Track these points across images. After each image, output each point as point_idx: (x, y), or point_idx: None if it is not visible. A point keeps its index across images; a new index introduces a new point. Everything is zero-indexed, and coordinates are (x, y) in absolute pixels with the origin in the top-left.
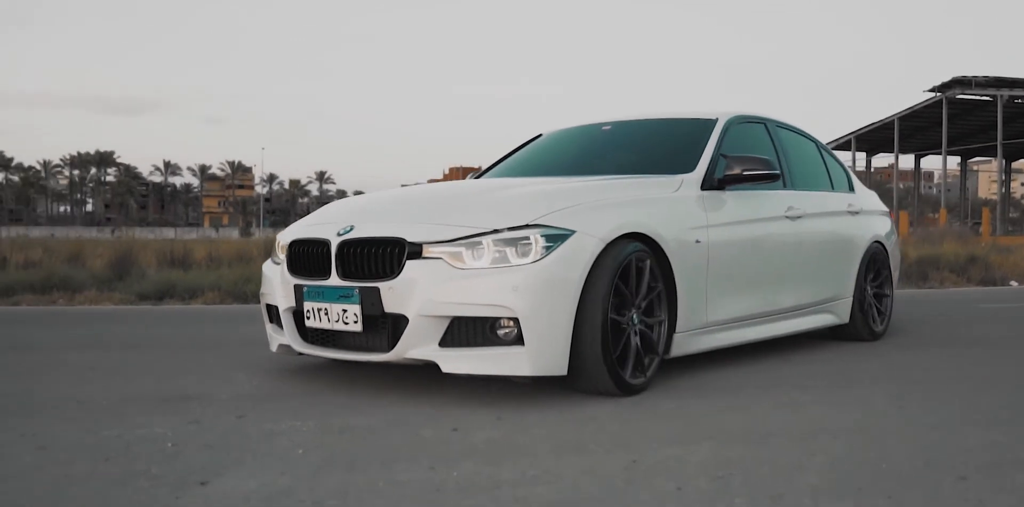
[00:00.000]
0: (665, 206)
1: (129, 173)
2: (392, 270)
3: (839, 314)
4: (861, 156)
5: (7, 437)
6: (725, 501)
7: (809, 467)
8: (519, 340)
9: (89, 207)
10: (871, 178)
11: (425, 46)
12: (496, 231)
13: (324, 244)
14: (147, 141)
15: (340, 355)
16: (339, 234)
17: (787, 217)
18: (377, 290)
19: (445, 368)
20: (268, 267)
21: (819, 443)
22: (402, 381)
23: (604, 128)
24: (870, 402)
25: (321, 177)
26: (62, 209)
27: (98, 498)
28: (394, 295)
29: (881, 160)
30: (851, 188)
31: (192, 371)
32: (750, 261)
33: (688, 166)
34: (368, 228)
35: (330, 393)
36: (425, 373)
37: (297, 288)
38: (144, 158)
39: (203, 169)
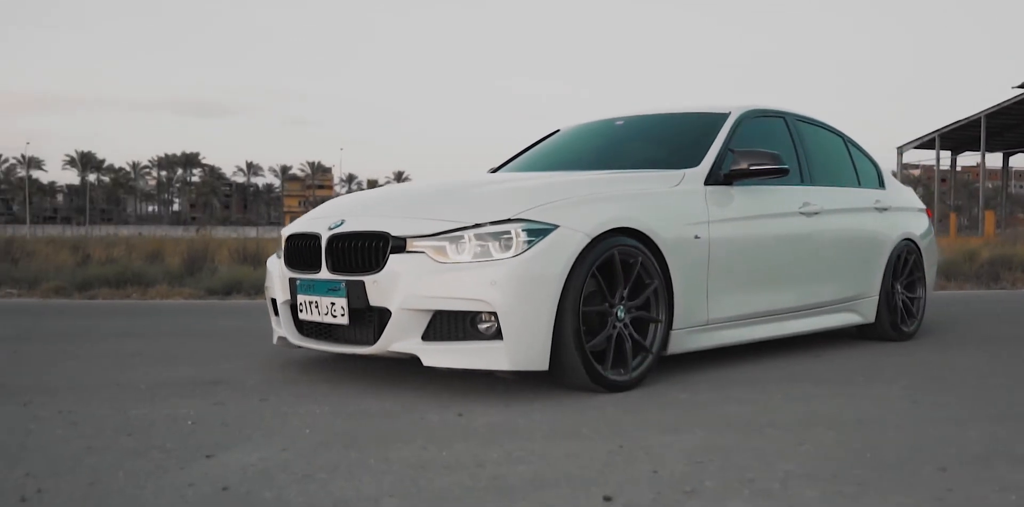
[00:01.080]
0: (662, 201)
1: (213, 174)
2: (376, 264)
3: (863, 313)
4: (946, 155)
5: (46, 413)
6: (694, 483)
7: (792, 455)
8: (498, 335)
9: (176, 207)
10: (957, 177)
11: (505, 45)
12: (478, 225)
13: (316, 238)
14: (230, 142)
15: (331, 348)
16: (330, 228)
17: (801, 213)
18: (362, 283)
19: (426, 362)
20: (271, 261)
21: (813, 433)
22: (424, 371)
23: (617, 123)
24: (884, 397)
25: (399, 177)
26: (150, 209)
27: (110, 466)
28: (378, 288)
29: (968, 158)
30: (881, 184)
31: (231, 358)
32: (758, 257)
33: (695, 161)
34: (357, 222)
35: (354, 381)
36: None
37: (292, 281)
38: (228, 159)
39: (284, 169)
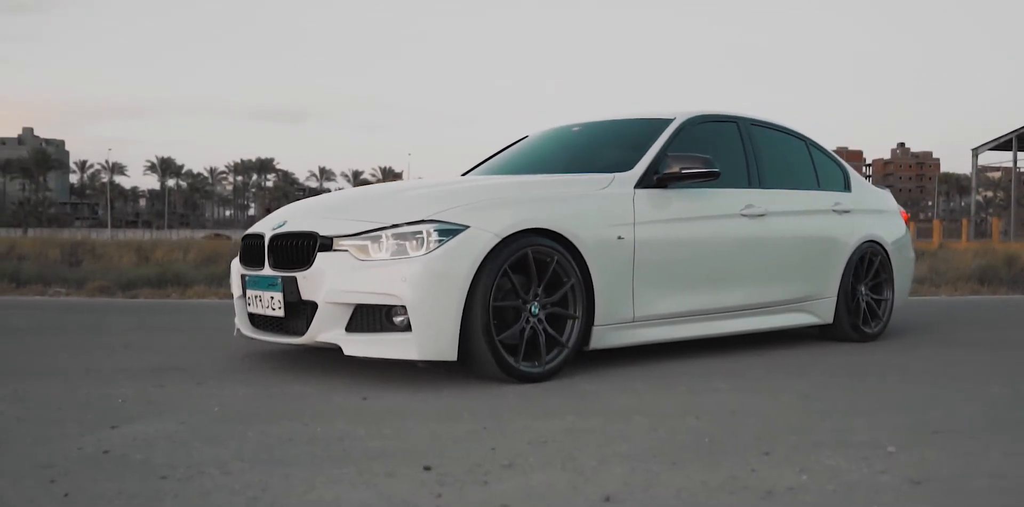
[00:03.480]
0: (583, 203)
1: (287, 179)
2: (307, 261)
3: (819, 314)
4: (1023, 156)
5: (3, 392)
6: (517, 459)
7: (634, 439)
8: (410, 327)
9: (252, 211)
10: None
11: (562, 51)
12: (395, 226)
13: (261, 238)
14: (304, 148)
15: (273, 338)
16: (273, 229)
17: (743, 215)
18: (294, 279)
19: (347, 351)
20: (234, 261)
21: (676, 422)
22: (369, 362)
23: (574, 129)
24: (784, 391)
25: None
26: (227, 213)
27: (26, 434)
28: (307, 284)
29: None
30: (846, 187)
31: (204, 349)
32: (691, 258)
33: (631, 164)
34: (296, 224)
35: (296, 369)
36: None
37: (243, 277)
38: (301, 164)
39: (356, 175)
